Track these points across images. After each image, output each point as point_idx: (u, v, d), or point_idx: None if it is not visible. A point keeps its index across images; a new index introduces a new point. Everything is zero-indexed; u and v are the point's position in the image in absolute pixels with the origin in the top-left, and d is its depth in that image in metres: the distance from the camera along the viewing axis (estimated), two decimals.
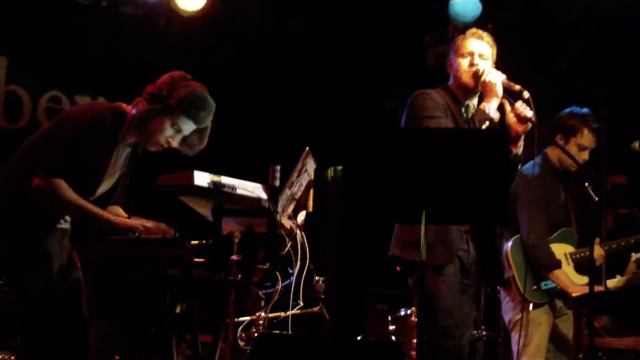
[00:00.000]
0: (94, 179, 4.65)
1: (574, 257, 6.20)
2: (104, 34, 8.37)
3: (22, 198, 4.50)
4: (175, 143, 4.77)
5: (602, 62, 7.98)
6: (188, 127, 4.74)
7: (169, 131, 4.71)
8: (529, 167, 6.14)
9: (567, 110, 6.30)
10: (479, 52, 5.17)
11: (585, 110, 6.26)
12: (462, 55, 5.20)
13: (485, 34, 5.25)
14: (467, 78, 5.16)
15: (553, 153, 6.24)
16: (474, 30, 5.30)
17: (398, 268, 5.21)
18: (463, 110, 5.17)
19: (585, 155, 6.18)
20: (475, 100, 5.19)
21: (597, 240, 6.11)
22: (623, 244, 6.26)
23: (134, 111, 4.70)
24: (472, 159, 4.06)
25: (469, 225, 5.08)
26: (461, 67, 5.18)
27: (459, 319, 5.07)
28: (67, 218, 4.66)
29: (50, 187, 4.44)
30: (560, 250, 6.17)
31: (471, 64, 5.15)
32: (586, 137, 6.19)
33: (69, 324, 4.54)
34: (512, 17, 8.06)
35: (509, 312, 6.19)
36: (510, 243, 6.05)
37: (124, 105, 4.76)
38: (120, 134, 4.69)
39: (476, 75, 5.13)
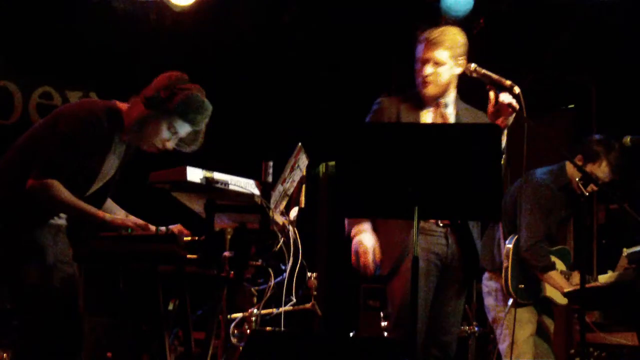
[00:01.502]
0: (88, 177, 4.66)
1: (564, 275, 6.22)
2: (96, 29, 8.34)
3: (16, 195, 4.50)
4: (170, 146, 4.77)
5: (595, 55, 7.99)
6: (184, 130, 4.74)
7: (165, 134, 4.71)
8: (542, 173, 6.17)
9: (598, 136, 6.31)
10: (420, 57, 5.14)
11: (614, 141, 6.19)
12: (415, 61, 5.19)
13: (436, 34, 5.15)
14: (418, 84, 5.15)
15: (571, 168, 6.22)
16: (426, 31, 5.19)
17: None
18: (431, 110, 5.17)
19: (594, 186, 6.14)
20: (450, 97, 5.18)
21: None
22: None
23: (131, 112, 4.70)
24: (464, 153, 4.06)
25: (449, 220, 5.09)
26: (420, 75, 5.16)
27: (442, 318, 5.10)
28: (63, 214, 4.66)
29: (44, 187, 4.44)
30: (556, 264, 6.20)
31: (418, 70, 5.15)
32: (602, 169, 6.15)
33: (64, 318, 4.55)
34: (503, 9, 8.06)
35: (491, 309, 6.23)
36: (513, 241, 6.07)
37: (118, 103, 4.76)
38: (115, 133, 4.68)
39: (423, 81, 5.11)
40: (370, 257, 5.04)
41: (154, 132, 4.70)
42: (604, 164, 6.16)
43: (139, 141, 4.75)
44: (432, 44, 5.12)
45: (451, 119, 5.18)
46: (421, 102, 5.18)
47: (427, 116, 5.16)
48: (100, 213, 4.57)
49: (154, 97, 4.65)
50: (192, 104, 4.66)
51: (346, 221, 5.21)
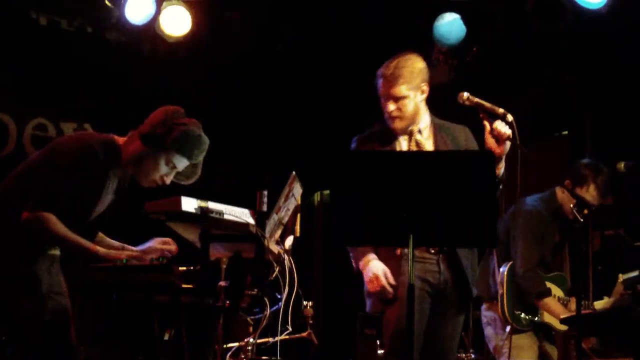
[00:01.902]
0: (84, 210, 4.66)
1: (562, 301, 6.22)
2: (90, 60, 8.36)
3: (12, 226, 4.50)
4: (168, 181, 4.80)
5: (588, 80, 8.01)
6: (182, 164, 4.77)
7: (163, 169, 4.75)
8: (532, 200, 6.19)
9: (587, 160, 6.36)
10: (384, 93, 5.14)
11: (602, 166, 6.27)
12: (381, 98, 5.18)
13: (391, 69, 5.15)
14: (391, 123, 5.15)
15: (560, 193, 6.26)
16: (384, 68, 5.20)
17: None
18: (405, 140, 5.17)
19: (585, 210, 6.18)
20: (418, 126, 5.18)
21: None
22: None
23: (128, 148, 4.72)
24: (460, 180, 4.06)
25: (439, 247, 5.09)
26: (385, 111, 5.16)
27: (438, 344, 5.08)
28: None
29: (38, 220, 4.44)
30: (552, 290, 6.20)
31: (388, 110, 5.13)
32: (590, 193, 6.20)
33: (56, 350, 4.53)
34: (496, 39, 8.08)
35: (492, 338, 6.22)
36: (506, 268, 6.09)
37: (115, 137, 4.78)
38: (112, 167, 4.70)
39: (390, 119, 5.12)
40: (384, 281, 5.02)
41: (153, 167, 4.74)
42: (591, 187, 6.19)
43: (137, 176, 4.78)
44: (389, 81, 5.12)
45: (428, 144, 5.18)
46: (392, 134, 5.19)
47: (402, 146, 5.17)
48: (94, 247, 4.57)
49: (150, 134, 4.67)
50: (189, 139, 4.69)
51: (352, 258, 5.20)
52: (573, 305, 6.09)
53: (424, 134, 5.19)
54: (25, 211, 4.45)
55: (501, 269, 6.09)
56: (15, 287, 4.50)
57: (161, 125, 4.67)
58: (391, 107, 5.11)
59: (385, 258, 5.06)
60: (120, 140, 4.78)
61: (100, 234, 4.90)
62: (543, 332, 6.20)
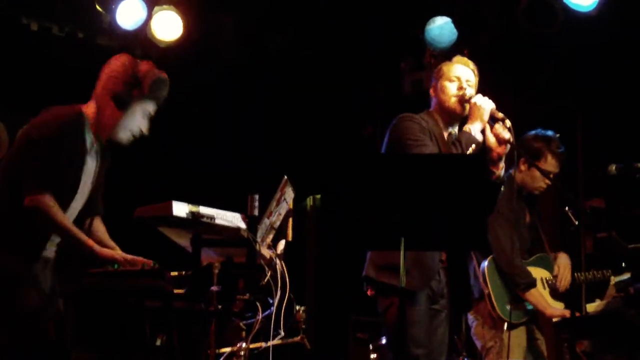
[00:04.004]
0: (72, 180, 4.69)
1: (549, 282, 6.21)
2: (81, 65, 8.34)
3: (6, 224, 4.50)
4: (146, 129, 4.91)
5: (579, 84, 8.02)
6: (154, 108, 4.91)
7: (141, 122, 4.87)
8: None
9: (532, 132, 6.32)
10: (465, 78, 5.26)
11: (550, 133, 6.27)
12: (450, 80, 5.28)
13: (470, 62, 5.36)
14: (454, 102, 5.25)
15: (517, 175, 6.25)
16: (459, 57, 5.43)
17: (369, 292, 5.23)
18: (446, 135, 5.22)
19: (547, 180, 6.19)
20: (457, 128, 5.26)
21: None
22: (599, 276, 6.29)
23: (104, 112, 4.82)
24: (451, 184, 4.06)
25: (445, 253, 5.12)
26: (448, 91, 5.26)
27: (430, 347, 5.08)
28: (53, 242, 4.64)
29: (41, 205, 4.48)
30: (537, 274, 6.18)
31: (459, 88, 5.21)
32: (549, 162, 6.20)
33: (52, 352, 4.53)
34: (487, 42, 8.09)
35: (480, 338, 6.17)
36: (486, 263, 6.05)
37: (82, 106, 4.86)
38: (87, 133, 4.76)
39: (463, 100, 5.20)
40: None
41: (133, 122, 4.85)
42: (549, 157, 6.19)
43: (118, 134, 4.86)
44: (465, 64, 5.33)
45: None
46: (438, 123, 5.27)
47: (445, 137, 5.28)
48: (90, 242, 4.60)
49: (125, 98, 4.78)
50: (157, 86, 4.84)
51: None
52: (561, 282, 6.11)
53: (455, 129, 5.33)
54: (25, 196, 4.50)
55: (481, 266, 6.06)
56: (11, 287, 4.51)
57: (130, 83, 4.80)
58: (463, 85, 5.26)
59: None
60: (87, 108, 4.86)
61: (104, 234, 4.91)
62: (536, 322, 6.17)
